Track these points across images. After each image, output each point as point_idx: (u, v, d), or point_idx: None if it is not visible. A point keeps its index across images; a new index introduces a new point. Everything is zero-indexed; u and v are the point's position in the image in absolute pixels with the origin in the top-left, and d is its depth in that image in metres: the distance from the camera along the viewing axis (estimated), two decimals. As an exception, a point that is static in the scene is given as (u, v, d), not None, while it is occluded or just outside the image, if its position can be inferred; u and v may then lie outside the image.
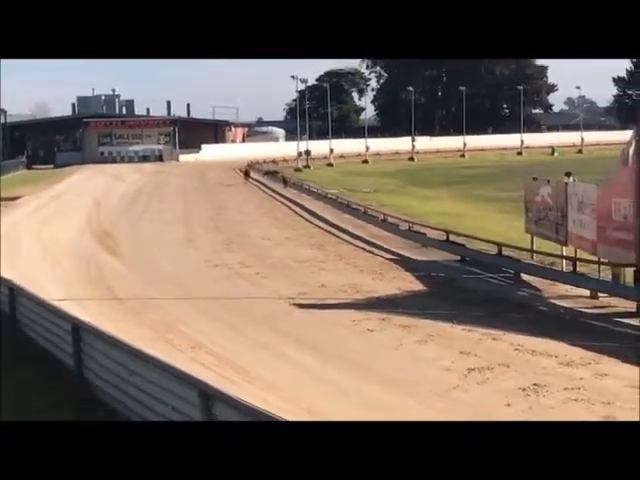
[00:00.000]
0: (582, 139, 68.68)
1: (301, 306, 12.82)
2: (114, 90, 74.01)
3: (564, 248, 14.81)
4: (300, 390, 8.48)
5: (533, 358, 9.59)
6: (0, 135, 58.16)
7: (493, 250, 15.77)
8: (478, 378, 8.84)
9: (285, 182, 37.05)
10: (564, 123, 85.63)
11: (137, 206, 30.77)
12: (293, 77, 58.84)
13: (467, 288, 13.98)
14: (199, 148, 62.68)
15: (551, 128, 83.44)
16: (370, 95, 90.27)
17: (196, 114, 74.94)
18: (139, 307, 12.98)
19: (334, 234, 21.85)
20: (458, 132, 68.60)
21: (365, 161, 58.35)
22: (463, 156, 62.64)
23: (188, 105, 76.87)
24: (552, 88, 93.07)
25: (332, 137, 61.59)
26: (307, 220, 25.38)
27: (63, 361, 8.87)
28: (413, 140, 64.14)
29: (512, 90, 78.51)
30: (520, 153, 63.88)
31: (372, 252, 18.50)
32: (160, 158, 61.75)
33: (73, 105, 71.68)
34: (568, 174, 15.44)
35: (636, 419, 7.19)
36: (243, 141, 75.67)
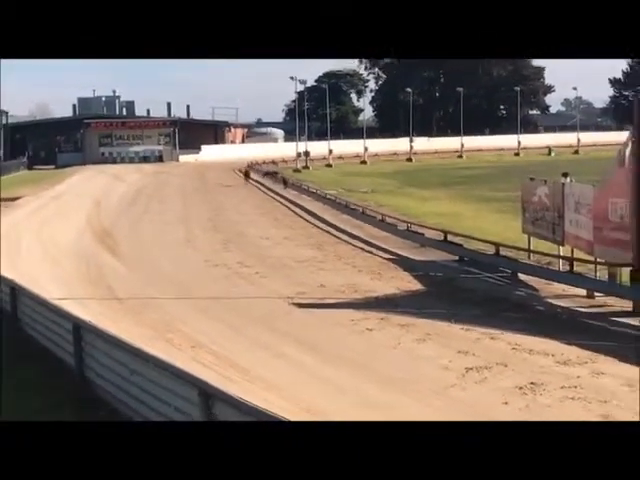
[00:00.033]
0: (579, 140, 68.80)
1: (300, 306, 12.87)
2: (114, 91, 74.24)
3: (561, 248, 14.87)
4: (300, 389, 8.50)
5: (530, 357, 9.63)
6: (1, 136, 58.23)
7: (491, 250, 15.83)
8: (476, 377, 8.88)
9: (285, 183, 37.00)
10: (561, 124, 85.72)
11: (137, 206, 30.79)
12: (292, 78, 58.96)
13: (465, 288, 14.03)
14: (199, 149, 62.72)
15: (548, 129, 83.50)
16: (368, 96, 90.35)
17: (196, 115, 75.13)
18: (139, 307, 13.02)
19: (333, 234, 21.90)
20: (456, 133, 68.68)
21: (363, 162, 58.40)
22: (461, 157, 62.70)
23: (188, 106, 77.01)
24: (549, 89, 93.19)
25: (331, 138, 61.61)
26: (306, 220, 25.43)
27: (64, 360, 8.90)
28: (411, 141, 64.17)
29: (509, 91, 78.64)
30: (517, 154, 63.98)
31: (371, 252, 18.55)
32: (160, 159, 61.79)
33: (74, 106, 71.77)
34: (565, 174, 15.50)
35: (632, 417, 7.25)
36: (242, 142, 75.71)
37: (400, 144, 64.72)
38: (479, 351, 9.88)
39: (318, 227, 23.62)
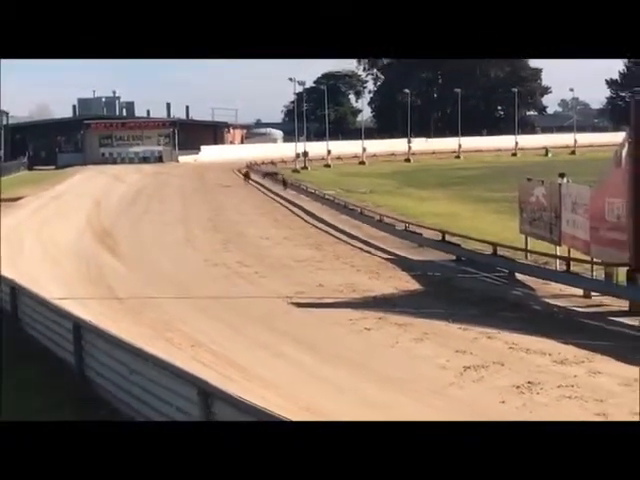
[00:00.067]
0: (575, 140, 68.82)
1: (299, 305, 12.91)
2: (114, 92, 74.38)
3: (558, 248, 14.93)
4: (299, 389, 8.53)
5: (527, 356, 9.68)
6: (2, 136, 58.22)
7: (488, 250, 15.89)
8: (473, 376, 8.92)
9: (285, 184, 36.95)
10: (558, 125, 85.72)
11: (137, 207, 30.80)
12: (291, 79, 58.99)
13: (463, 287, 14.08)
14: (198, 149, 62.74)
15: (545, 130, 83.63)
16: (367, 97, 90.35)
17: (195, 116, 75.29)
18: (139, 306, 13.05)
19: (331, 234, 21.94)
20: (453, 134, 68.69)
21: (362, 162, 58.44)
22: (458, 157, 62.71)
23: (187, 107, 77.26)
24: (546, 90, 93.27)
25: (329, 139, 61.61)
26: (305, 220, 25.47)
27: (64, 359, 8.92)
28: (409, 142, 64.15)
29: (507, 92, 78.74)
30: (514, 154, 64.01)
31: (369, 252, 18.60)
32: (160, 159, 61.84)
33: (74, 107, 71.93)
34: (562, 175, 15.55)
35: (629, 416, 7.30)
36: (242, 142, 75.75)
37: (398, 145, 64.72)
38: (476, 350, 9.92)
39: (317, 227, 23.66)
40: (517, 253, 15.66)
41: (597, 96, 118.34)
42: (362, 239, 20.41)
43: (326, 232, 22.40)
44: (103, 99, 73.06)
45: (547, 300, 12.95)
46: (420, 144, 66.00)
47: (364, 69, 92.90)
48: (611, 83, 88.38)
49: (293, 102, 68.76)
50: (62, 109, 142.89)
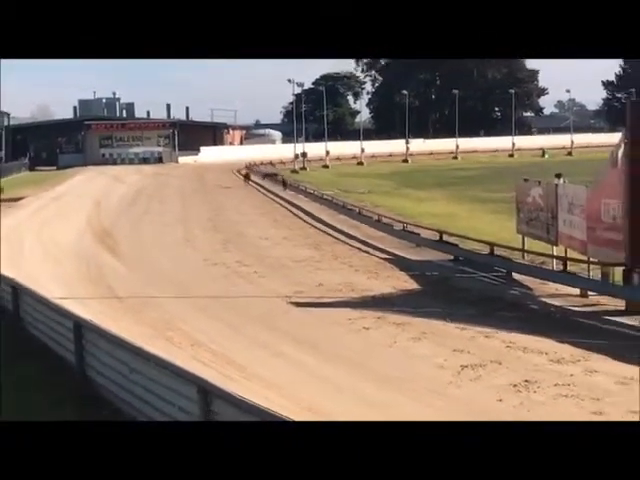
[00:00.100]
0: (572, 141, 68.91)
1: (298, 305, 12.96)
2: (115, 93, 74.41)
3: (554, 248, 14.99)
4: (299, 388, 8.56)
5: (524, 355, 9.73)
6: (3, 137, 58.18)
7: (485, 250, 15.95)
8: (471, 375, 8.97)
9: (285, 185, 36.98)
10: (554, 126, 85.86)
11: (137, 207, 30.81)
12: (289, 81, 59.01)
13: (460, 287, 14.13)
14: (198, 150, 62.73)
15: (542, 131, 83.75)
16: (365, 98, 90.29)
17: (195, 117, 75.33)
18: (139, 306, 13.09)
19: (330, 234, 21.99)
20: (451, 134, 68.72)
21: (360, 163, 58.50)
22: (456, 158, 62.77)
23: (187, 108, 77.15)
24: (543, 91, 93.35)
25: (328, 139, 61.62)
26: (304, 221, 25.51)
27: (65, 358, 8.96)
28: (407, 142, 64.23)
29: (504, 93, 78.75)
30: (511, 155, 64.12)
31: (367, 252, 18.65)
32: (160, 160, 61.82)
33: (74, 108, 71.93)
34: (558, 175, 15.60)
35: (625, 415, 7.35)
36: (241, 143, 75.75)
37: (396, 145, 64.78)
38: (474, 349, 9.97)
39: (316, 227, 23.71)
40: (514, 253, 15.72)
41: (593, 97, 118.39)
42: (360, 239, 20.46)
43: (325, 232, 22.44)
44: (103, 100, 73.06)
45: (544, 300, 13.01)
46: (418, 145, 66.04)
47: (362, 70, 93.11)
48: (607, 84, 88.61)
49: (292, 103, 68.77)
50: (63, 110, 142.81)
